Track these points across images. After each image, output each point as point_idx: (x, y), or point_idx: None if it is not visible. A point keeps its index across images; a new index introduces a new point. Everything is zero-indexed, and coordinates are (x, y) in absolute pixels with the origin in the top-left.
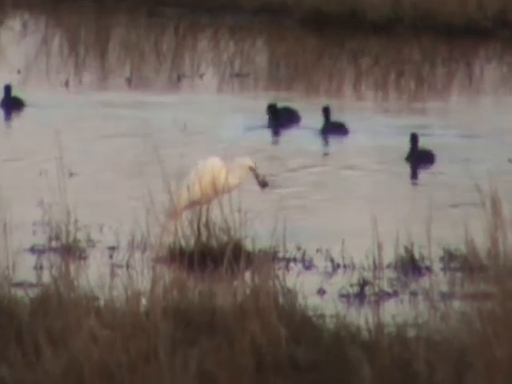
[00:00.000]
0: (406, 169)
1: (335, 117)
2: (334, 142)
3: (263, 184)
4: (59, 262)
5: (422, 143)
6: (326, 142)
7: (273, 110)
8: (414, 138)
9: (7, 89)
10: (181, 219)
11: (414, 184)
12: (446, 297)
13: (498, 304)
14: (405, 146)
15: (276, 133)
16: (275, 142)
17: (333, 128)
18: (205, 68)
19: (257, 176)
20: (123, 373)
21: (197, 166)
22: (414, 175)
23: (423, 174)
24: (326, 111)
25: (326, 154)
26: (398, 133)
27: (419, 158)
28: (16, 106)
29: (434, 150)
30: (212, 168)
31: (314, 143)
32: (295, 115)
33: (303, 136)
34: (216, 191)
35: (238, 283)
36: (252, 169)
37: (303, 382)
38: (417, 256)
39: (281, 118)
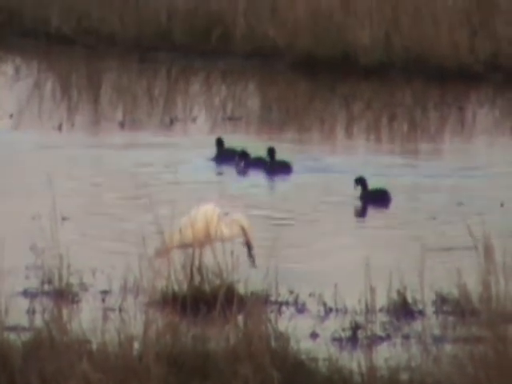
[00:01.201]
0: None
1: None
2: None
3: (249, 245)
4: (52, 306)
5: (412, 183)
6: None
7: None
8: (362, 181)
9: (219, 142)
10: (170, 259)
11: (360, 222)
12: (438, 340)
13: (490, 348)
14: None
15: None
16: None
17: (278, 166)
18: (197, 111)
19: (247, 241)
20: None
21: (190, 211)
22: (363, 213)
23: (416, 216)
24: (271, 151)
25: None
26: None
27: (371, 197)
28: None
29: (424, 191)
30: (205, 214)
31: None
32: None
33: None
34: (208, 237)
35: (231, 327)
36: (244, 229)
37: None
38: (409, 299)
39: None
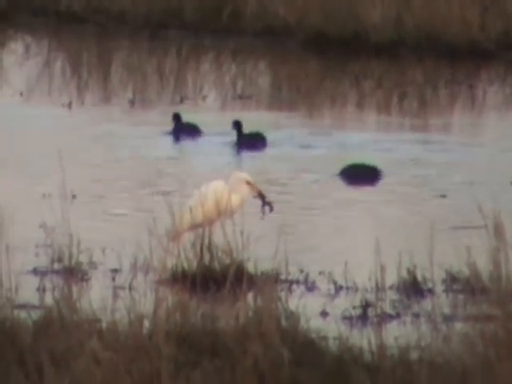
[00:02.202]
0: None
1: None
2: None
3: (261, 195)
4: (62, 285)
5: (424, 161)
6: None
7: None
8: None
9: (177, 116)
10: (183, 241)
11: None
12: (448, 319)
13: (501, 326)
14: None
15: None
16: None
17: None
18: (207, 90)
19: (258, 192)
20: None
21: (200, 188)
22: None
23: (427, 194)
24: (238, 125)
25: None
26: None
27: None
28: (192, 132)
29: (434, 168)
30: (215, 191)
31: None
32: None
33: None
34: (219, 214)
35: (241, 306)
36: (249, 183)
37: None
38: (419, 278)
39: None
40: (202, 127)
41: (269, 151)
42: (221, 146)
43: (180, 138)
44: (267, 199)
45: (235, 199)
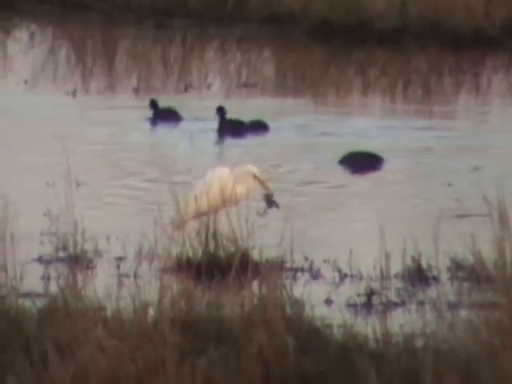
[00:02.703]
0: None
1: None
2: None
3: (267, 195)
4: (66, 273)
5: (429, 147)
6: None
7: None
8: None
9: (153, 103)
10: (188, 230)
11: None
12: (453, 307)
13: (506, 314)
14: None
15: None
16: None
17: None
18: (212, 78)
19: (262, 185)
20: (131, 383)
21: (205, 176)
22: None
23: (432, 183)
24: (221, 111)
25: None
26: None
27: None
28: (171, 117)
29: (439, 157)
30: (220, 178)
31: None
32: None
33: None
34: (224, 202)
35: (246, 293)
36: (256, 177)
37: None
38: (424, 266)
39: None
40: (203, 114)
41: (270, 138)
42: (199, 132)
43: (157, 124)
44: (274, 199)
45: (240, 188)
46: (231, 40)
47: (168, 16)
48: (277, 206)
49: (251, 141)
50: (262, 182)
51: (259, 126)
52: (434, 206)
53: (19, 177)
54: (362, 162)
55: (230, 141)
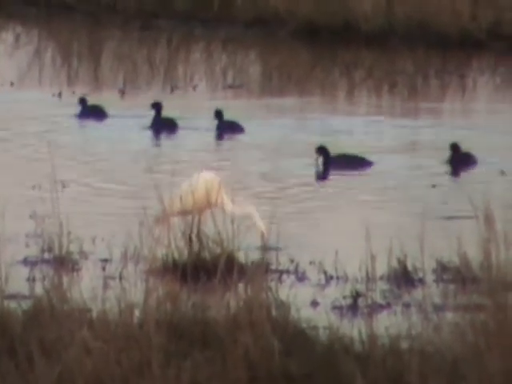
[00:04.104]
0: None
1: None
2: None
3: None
4: (52, 274)
5: (414, 148)
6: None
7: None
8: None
9: (83, 100)
10: (170, 226)
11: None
12: (438, 308)
13: (491, 316)
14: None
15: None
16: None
17: (227, 126)
18: (198, 79)
19: (260, 229)
20: None
21: (191, 178)
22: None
23: (417, 185)
24: (218, 114)
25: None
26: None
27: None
28: (97, 114)
29: (425, 157)
30: (206, 181)
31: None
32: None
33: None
34: (208, 204)
35: (231, 295)
36: (255, 223)
37: None
38: (410, 268)
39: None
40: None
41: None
42: (127, 128)
43: (85, 120)
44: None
45: (226, 200)
46: (217, 41)
47: (154, 17)
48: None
49: (227, 142)
50: (259, 229)
51: (234, 127)
52: (420, 208)
53: (5, 178)
54: (347, 164)
55: (176, 138)
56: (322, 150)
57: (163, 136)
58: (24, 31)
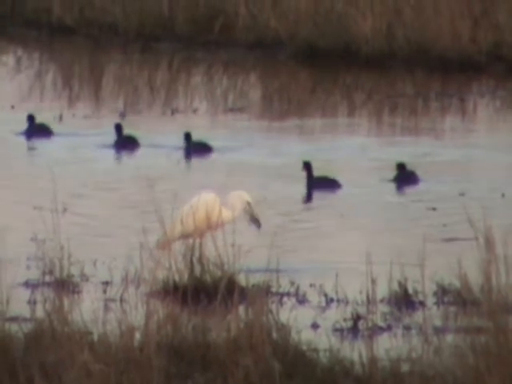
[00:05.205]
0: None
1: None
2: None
3: (256, 222)
4: (53, 297)
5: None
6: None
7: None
8: (307, 166)
9: (30, 118)
10: (172, 251)
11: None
12: (439, 331)
13: (492, 338)
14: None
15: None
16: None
17: (195, 147)
18: (198, 102)
19: (251, 213)
20: None
21: (191, 200)
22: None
23: (416, 207)
24: (187, 136)
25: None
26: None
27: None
28: (43, 132)
29: (425, 181)
30: (206, 203)
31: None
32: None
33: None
34: (209, 226)
35: (232, 318)
36: (249, 204)
37: None
38: (410, 290)
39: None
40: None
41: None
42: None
43: (32, 138)
44: (258, 217)
45: (226, 214)
46: (218, 64)
47: (155, 40)
48: (259, 223)
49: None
50: (253, 210)
51: (202, 148)
52: (420, 231)
53: (6, 201)
54: (321, 186)
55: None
56: (307, 166)
57: (125, 154)
58: (25, 54)
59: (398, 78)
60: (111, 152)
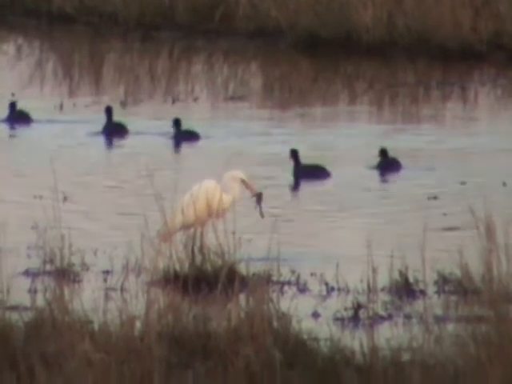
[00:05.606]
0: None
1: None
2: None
3: (257, 195)
4: (53, 286)
5: (416, 161)
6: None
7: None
8: (294, 154)
9: (12, 105)
10: (174, 242)
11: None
12: (440, 320)
13: (492, 327)
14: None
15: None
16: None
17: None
18: (199, 91)
19: (250, 189)
20: None
21: (191, 188)
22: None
23: (419, 196)
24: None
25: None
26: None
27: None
28: (23, 119)
29: (425, 169)
30: (206, 191)
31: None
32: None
33: None
34: (210, 214)
35: (233, 307)
36: (244, 181)
37: None
38: (411, 280)
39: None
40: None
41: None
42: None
43: (12, 125)
44: (262, 204)
45: (227, 199)
46: (218, 53)
47: (155, 29)
48: (260, 195)
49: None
50: (249, 186)
51: (190, 136)
52: (421, 220)
53: (7, 190)
54: (310, 175)
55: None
56: (294, 154)
57: (114, 141)
58: (25, 42)
59: (399, 66)
60: (100, 139)
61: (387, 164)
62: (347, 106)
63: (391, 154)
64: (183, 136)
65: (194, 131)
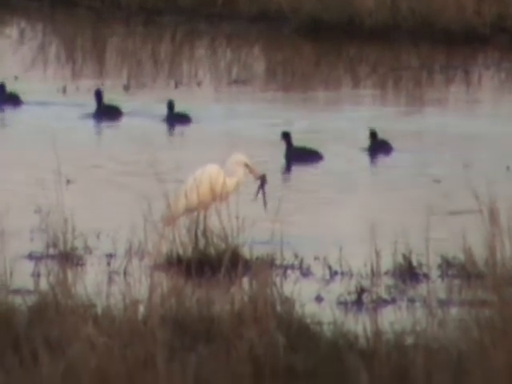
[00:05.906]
0: None
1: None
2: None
3: (261, 177)
4: (57, 270)
5: (416, 146)
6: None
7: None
8: (286, 137)
9: (1, 87)
10: (177, 226)
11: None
12: (443, 304)
13: (496, 311)
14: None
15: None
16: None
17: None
18: (202, 75)
19: (253, 172)
20: (121, 380)
21: (195, 173)
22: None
23: (421, 180)
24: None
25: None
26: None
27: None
28: (13, 101)
29: (429, 152)
30: (210, 175)
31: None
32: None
33: None
34: (214, 198)
35: (236, 291)
36: (247, 165)
37: None
38: (415, 263)
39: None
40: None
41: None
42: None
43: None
44: (265, 190)
45: (230, 183)
46: (221, 37)
47: (158, 13)
48: (264, 178)
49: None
50: (253, 169)
51: (182, 118)
52: (424, 203)
53: (10, 174)
54: (302, 157)
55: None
56: (285, 136)
57: (106, 124)
58: (28, 26)
59: (402, 50)
60: (91, 122)
61: (377, 146)
62: (351, 89)
63: (395, 137)
64: (175, 118)
65: (185, 114)
